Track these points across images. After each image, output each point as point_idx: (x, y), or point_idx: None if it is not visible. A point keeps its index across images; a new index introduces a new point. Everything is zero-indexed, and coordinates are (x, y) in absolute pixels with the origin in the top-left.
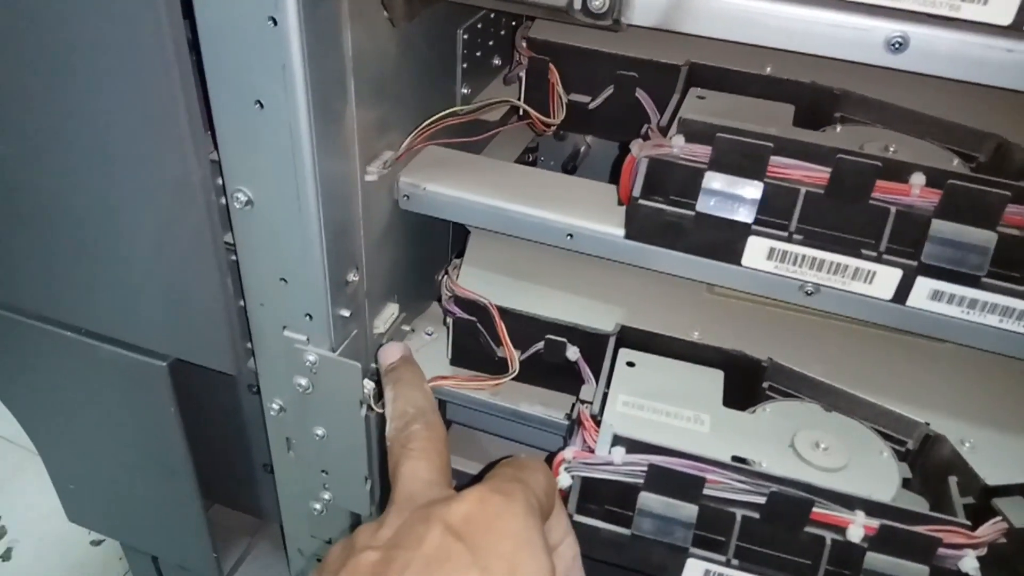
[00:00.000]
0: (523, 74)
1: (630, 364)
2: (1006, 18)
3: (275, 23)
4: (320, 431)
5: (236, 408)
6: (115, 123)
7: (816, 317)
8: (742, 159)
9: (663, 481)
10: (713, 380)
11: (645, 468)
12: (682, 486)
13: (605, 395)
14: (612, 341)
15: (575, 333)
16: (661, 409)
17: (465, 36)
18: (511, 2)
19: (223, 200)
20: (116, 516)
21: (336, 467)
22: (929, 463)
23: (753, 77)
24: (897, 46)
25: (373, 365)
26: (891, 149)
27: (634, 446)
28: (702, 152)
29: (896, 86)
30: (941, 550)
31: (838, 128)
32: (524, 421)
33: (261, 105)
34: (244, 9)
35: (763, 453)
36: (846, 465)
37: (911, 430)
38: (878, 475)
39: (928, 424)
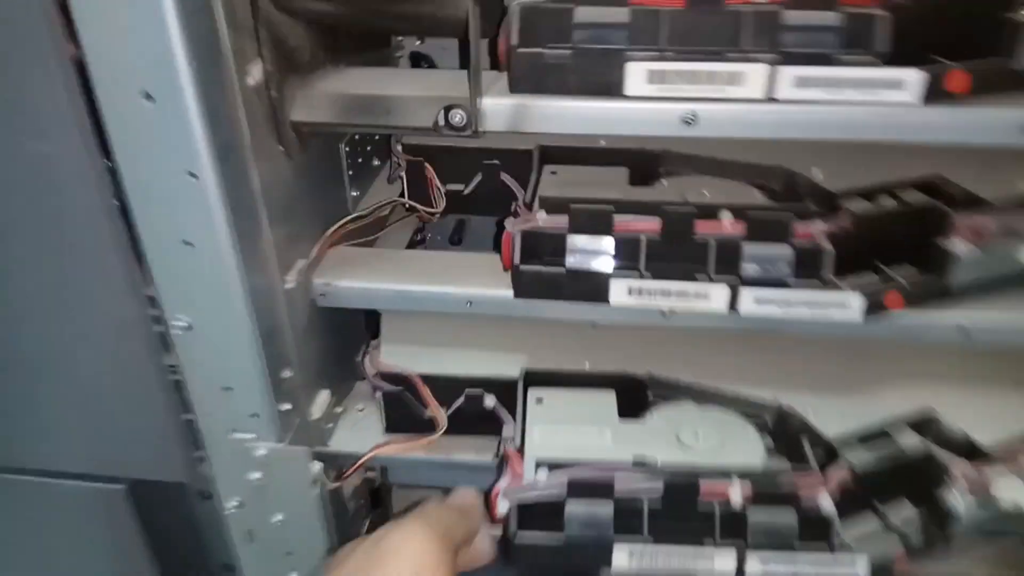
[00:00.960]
0: (403, 175)
1: (539, 400)
2: (760, 93)
3: (195, 177)
4: (279, 517)
5: (190, 517)
6: (57, 274)
7: (683, 332)
8: (593, 221)
9: (581, 490)
10: (608, 399)
11: (565, 483)
12: (597, 491)
13: (523, 430)
14: (521, 384)
15: (489, 384)
16: (570, 431)
17: (347, 149)
18: (389, 127)
19: (160, 328)
20: None
21: (299, 546)
22: (785, 432)
23: (592, 150)
24: (690, 121)
25: (317, 448)
26: (706, 193)
27: (553, 466)
28: (562, 221)
29: (706, 141)
30: (802, 496)
31: (664, 182)
32: (459, 468)
33: (191, 245)
34: (166, 167)
35: (656, 450)
36: (722, 446)
37: (767, 409)
38: (747, 449)
39: (779, 402)
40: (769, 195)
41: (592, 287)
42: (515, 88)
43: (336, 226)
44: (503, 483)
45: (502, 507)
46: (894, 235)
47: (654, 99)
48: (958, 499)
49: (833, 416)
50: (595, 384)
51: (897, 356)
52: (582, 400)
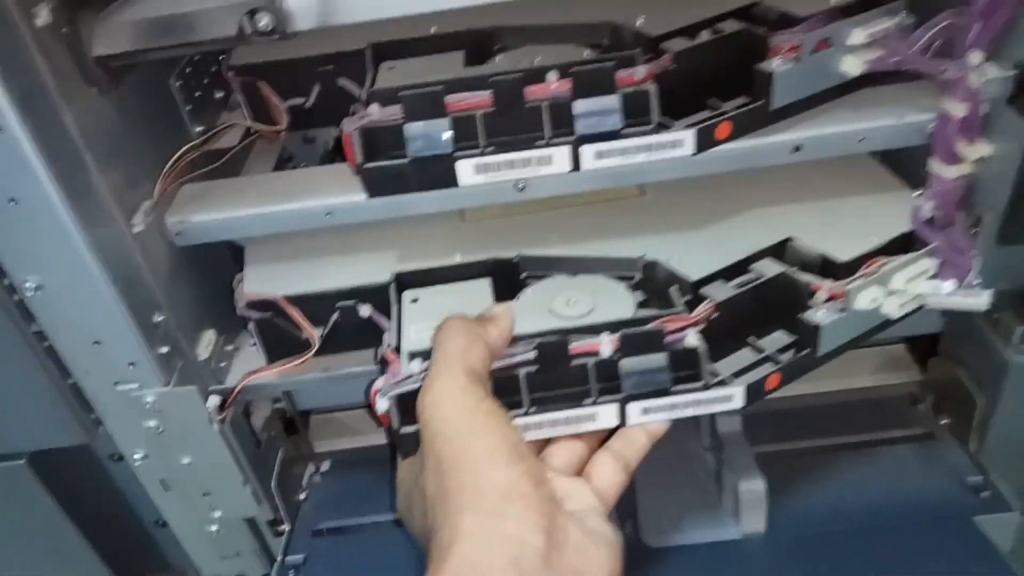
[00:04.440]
0: (240, 98)
1: (414, 300)
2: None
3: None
4: (187, 459)
5: (107, 480)
6: None
7: (548, 210)
8: (426, 105)
9: None
10: (483, 288)
11: None
12: None
13: (399, 331)
14: (393, 288)
15: (361, 293)
16: None
17: (179, 83)
18: (195, 44)
19: (15, 296)
20: None
21: (214, 484)
22: (654, 284)
23: (425, 39)
24: None
25: (212, 387)
26: (537, 60)
27: (427, 354)
28: (396, 111)
29: (535, 10)
30: (669, 337)
31: (498, 58)
32: (351, 382)
33: (16, 202)
34: None
35: (532, 324)
36: (593, 308)
37: (634, 265)
38: (619, 306)
39: (644, 256)
40: (601, 51)
41: (439, 172)
42: None
43: (172, 161)
44: (379, 381)
45: (381, 405)
46: (718, 67)
47: None
48: (820, 314)
49: (695, 260)
50: (468, 275)
51: (749, 190)
52: (457, 292)
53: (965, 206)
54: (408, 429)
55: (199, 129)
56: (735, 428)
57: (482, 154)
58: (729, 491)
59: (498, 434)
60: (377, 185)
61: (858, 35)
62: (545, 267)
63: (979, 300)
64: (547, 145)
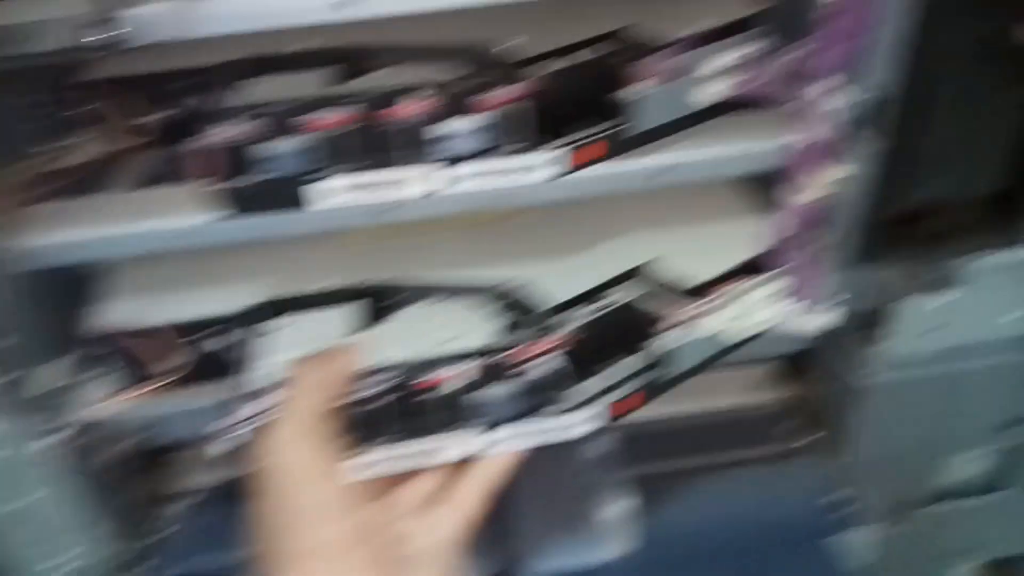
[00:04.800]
0: (98, 112)
1: (277, 329)
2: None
3: None
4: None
5: None
6: None
7: (422, 234)
8: (278, 125)
9: None
10: (351, 313)
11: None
12: None
13: (259, 363)
14: (255, 316)
15: (222, 322)
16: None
17: (28, 97)
18: (28, 57)
19: None
20: None
21: (51, 530)
22: (518, 310)
23: (288, 55)
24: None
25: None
26: (403, 80)
27: (277, 389)
28: (250, 129)
29: (403, 30)
30: (525, 364)
31: (364, 77)
32: (209, 414)
33: None
34: None
35: (393, 353)
36: (456, 335)
37: (499, 291)
38: (481, 332)
39: (508, 281)
40: (468, 73)
41: (295, 194)
42: None
43: (12, 180)
44: (222, 421)
45: (222, 445)
46: (581, 92)
47: None
48: (671, 339)
49: (557, 284)
50: (335, 302)
51: (616, 214)
52: (326, 318)
53: (816, 229)
54: (251, 470)
55: (51, 146)
56: (604, 451)
57: (341, 175)
58: (598, 514)
59: (333, 486)
60: (230, 206)
61: (718, 62)
62: (412, 293)
63: (822, 323)
64: (408, 167)
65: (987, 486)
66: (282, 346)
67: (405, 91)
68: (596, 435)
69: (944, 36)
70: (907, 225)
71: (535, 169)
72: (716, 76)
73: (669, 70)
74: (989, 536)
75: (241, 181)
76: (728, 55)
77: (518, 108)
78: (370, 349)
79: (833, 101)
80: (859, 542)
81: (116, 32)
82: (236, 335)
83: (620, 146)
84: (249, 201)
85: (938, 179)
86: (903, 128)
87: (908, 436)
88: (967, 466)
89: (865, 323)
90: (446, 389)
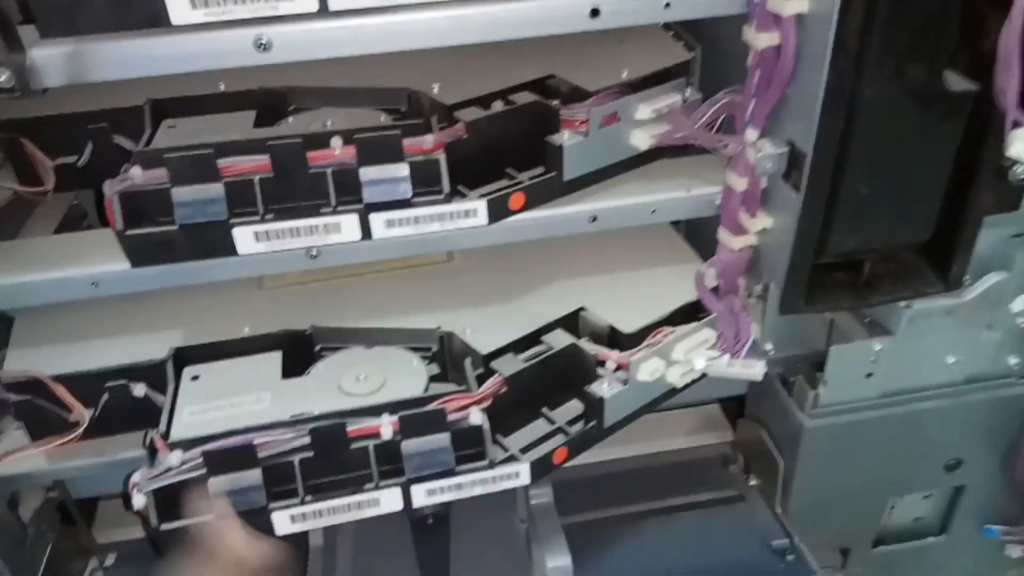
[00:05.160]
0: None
1: (195, 378)
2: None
3: None
4: None
5: None
6: None
7: (353, 277)
8: (195, 169)
9: (219, 461)
10: (272, 362)
11: (201, 458)
12: (237, 458)
13: (171, 414)
14: (170, 365)
15: (134, 372)
16: (225, 404)
17: None
18: None
19: None
20: None
21: None
22: (450, 356)
23: (213, 96)
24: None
25: None
26: (328, 123)
27: (191, 444)
28: (163, 174)
29: (333, 72)
30: (451, 416)
31: (291, 119)
32: (121, 467)
33: None
34: None
35: (316, 404)
36: (384, 383)
37: (430, 337)
38: (410, 381)
39: (439, 327)
40: (397, 117)
41: (214, 240)
42: (47, 33)
43: None
44: (137, 475)
45: (138, 500)
46: (511, 137)
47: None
48: (604, 386)
49: (487, 333)
50: (257, 349)
51: (553, 258)
52: (243, 368)
53: (749, 276)
54: (168, 526)
55: None
56: (546, 500)
57: (262, 221)
58: (538, 567)
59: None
60: (140, 254)
61: (644, 110)
62: (340, 339)
63: (754, 371)
64: (333, 212)
65: (933, 528)
66: (199, 396)
67: (329, 135)
68: (532, 485)
69: (871, 87)
70: (841, 271)
71: (471, 214)
72: (645, 123)
73: (597, 117)
74: None
75: (154, 228)
76: (655, 103)
77: (451, 152)
78: (289, 400)
79: (756, 151)
80: None
81: (14, 77)
82: (147, 385)
83: (554, 190)
84: (166, 248)
85: (868, 227)
86: (831, 177)
87: (851, 479)
88: (913, 508)
89: (800, 369)
90: (370, 442)
